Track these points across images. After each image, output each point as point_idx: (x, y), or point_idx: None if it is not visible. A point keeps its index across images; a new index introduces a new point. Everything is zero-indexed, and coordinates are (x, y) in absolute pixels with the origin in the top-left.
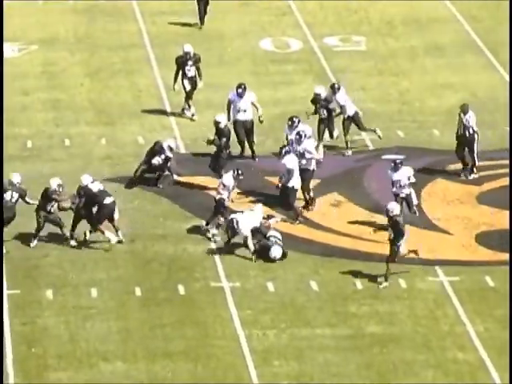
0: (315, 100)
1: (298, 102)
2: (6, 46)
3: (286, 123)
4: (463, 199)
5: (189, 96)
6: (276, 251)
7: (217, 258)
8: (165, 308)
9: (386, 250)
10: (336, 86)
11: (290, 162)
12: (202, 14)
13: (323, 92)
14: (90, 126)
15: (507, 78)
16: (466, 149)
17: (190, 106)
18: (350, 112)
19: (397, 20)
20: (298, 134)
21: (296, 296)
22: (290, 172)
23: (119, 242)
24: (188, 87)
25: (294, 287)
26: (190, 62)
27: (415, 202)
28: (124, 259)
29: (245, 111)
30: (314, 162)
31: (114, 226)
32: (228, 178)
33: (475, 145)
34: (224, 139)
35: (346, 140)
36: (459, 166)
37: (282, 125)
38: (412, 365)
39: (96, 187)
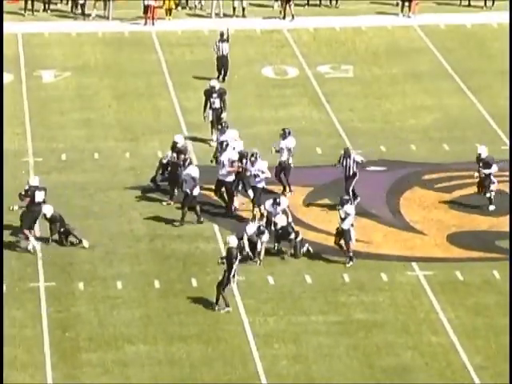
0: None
1: (294, 120)
2: (44, 72)
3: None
4: (436, 205)
5: (212, 125)
6: (280, 219)
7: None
8: (180, 298)
9: (369, 248)
10: (287, 131)
11: (194, 171)
12: (222, 71)
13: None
14: (116, 141)
15: (475, 100)
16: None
17: (212, 133)
18: (289, 160)
19: (380, 50)
20: (252, 155)
21: (293, 288)
22: (194, 180)
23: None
24: (210, 117)
25: (291, 280)
26: (214, 95)
27: (353, 238)
28: (145, 256)
29: (227, 145)
30: (264, 181)
31: (30, 233)
32: (267, 205)
33: (353, 182)
34: (182, 156)
35: (285, 185)
36: (433, 176)
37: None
38: (393, 347)
39: (40, 195)
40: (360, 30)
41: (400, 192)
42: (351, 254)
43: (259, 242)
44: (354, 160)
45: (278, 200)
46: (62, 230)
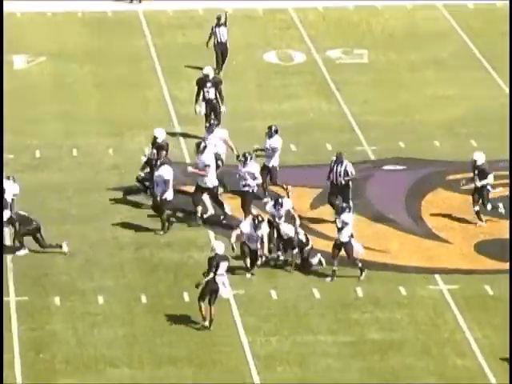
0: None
1: (300, 113)
2: (15, 57)
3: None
4: (462, 209)
5: (206, 118)
6: (287, 229)
7: None
8: (170, 315)
9: (385, 258)
10: (273, 129)
11: (167, 173)
12: (220, 61)
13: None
14: (98, 136)
15: (507, 90)
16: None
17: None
18: (273, 162)
19: (398, 33)
20: (243, 155)
21: (298, 303)
22: (166, 183)
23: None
24: (204, 110)
25: (296, 294)
26: (208, 84)
27: (357, 249)
28: (131, 266)
29: (214, 145)
30: (255, 187)
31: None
32: (269, 207)
33: (349, 191)
34: (163, 153)
35: (264, 188)
36: (459, 176)
37: (285, 135)
38: (412, 371)
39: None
40: (376, 9)
41: (421, 194)
42: (360, 264)
43: (259, 235)
44: (345, 168)
45: (280, 200)
46: (29, 229)
